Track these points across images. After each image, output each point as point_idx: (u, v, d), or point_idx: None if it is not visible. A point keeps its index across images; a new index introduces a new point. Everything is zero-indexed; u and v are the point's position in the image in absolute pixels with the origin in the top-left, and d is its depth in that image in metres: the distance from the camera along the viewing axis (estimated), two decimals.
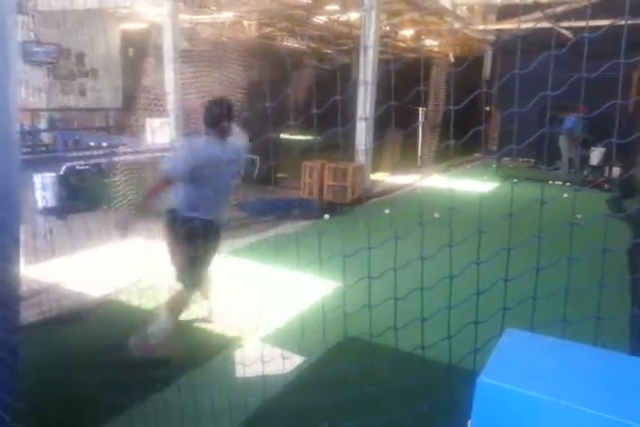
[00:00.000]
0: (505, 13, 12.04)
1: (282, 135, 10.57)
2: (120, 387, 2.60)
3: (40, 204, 6.51)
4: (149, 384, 2.78)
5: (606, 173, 9.81)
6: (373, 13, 8.13)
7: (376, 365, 2.81)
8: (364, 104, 7.83)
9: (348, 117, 8.51)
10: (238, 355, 3.28)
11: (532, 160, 12.21)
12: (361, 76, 8.02)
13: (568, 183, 9.49)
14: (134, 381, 2.70)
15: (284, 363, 2.85)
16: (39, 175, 6.54)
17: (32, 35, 9.92)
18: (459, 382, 1.93)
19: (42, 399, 2.59)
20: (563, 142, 10.52)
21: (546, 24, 9.86)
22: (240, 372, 3.08)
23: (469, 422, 1.55)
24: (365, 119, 7.94)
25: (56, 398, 2.70)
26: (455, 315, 1.80)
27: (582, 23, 9.53)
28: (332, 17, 11.09)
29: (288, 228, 5.97)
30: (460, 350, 1.80)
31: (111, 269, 4.42)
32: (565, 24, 10.15)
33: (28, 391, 2.37)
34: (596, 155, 10.48)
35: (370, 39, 8.16)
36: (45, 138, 10.17)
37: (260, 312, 3.74)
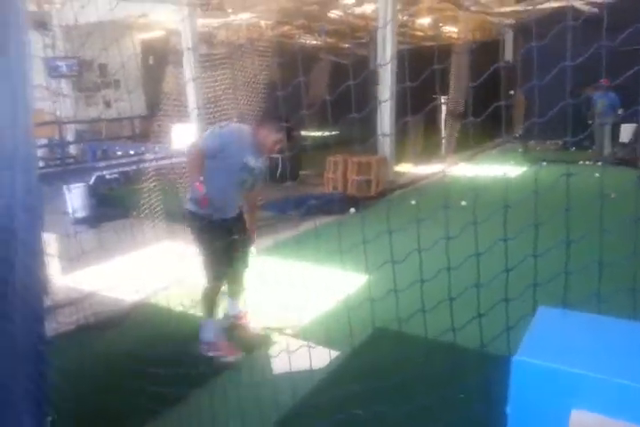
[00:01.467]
0: None
1: (302, 132, 10.58)
2: (155, 392, 2.64)
3: (72, 214, 6.67)
4: (183, 386, 2.82)
5: (638, 150, 9.49)
6: (389, 3, 8.05)
7: (406, 352, 2.80)
8: (384, 92, 7.76)
9: (371, 110, 8.46)
10: (269, 352, 3.30)
11: (560, 142, 11.92)
12: (379, 66, 7.95)
13: (599, 162, 9.23)
14: (166, 384, 2.75)
15: (314, 358, 2.85)
16: (69, 186, 6.70)
17: (52, 50, 10.17)
18: (491, 364, 1.90)
19: (80, 408, 2.65)
20: (601, 123, 10.13)
21: (564, 2, 9.62)
22: (270, 370, 3.10)
23: (507, 407, 1.52)
24: (386, 103, 7.88)
25: (94, 405, 2.76)
26: (484, 295, 1.77)
27: None
28: (347, 10, 11.03)
29: (313, 224, 5.97)
30: (492, 330, 1.76)
31: (145, 273, 4.52)
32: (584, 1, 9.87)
33: (66, 400, 2.43)
34: (626, 131, 10.16)
35: (387, 30, 8.08)
36: (73, 150, 10.42)
37: (286, 309, 3.75)
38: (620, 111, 9.77)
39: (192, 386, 2.85)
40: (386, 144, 8.38)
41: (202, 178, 2.91)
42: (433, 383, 2.54)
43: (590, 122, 9.98)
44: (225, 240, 3.07)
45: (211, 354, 3.23)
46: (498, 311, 1.76)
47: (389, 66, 7.98)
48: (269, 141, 3.15)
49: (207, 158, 3.01)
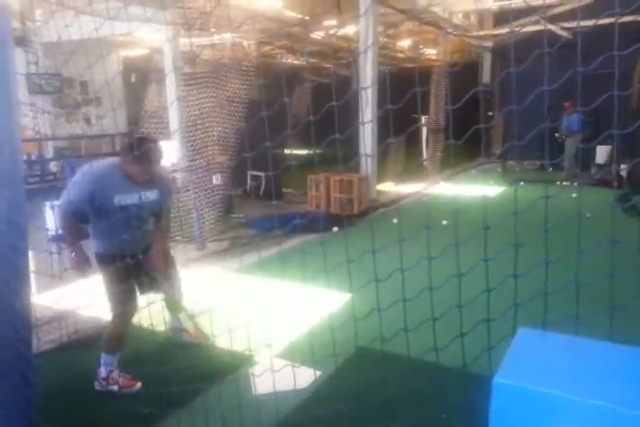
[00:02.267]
0: (502, 18, 12.13)
1: (285, 150, 10.63)
2: (134, 412, 2.59)
3: (50, 231, 6.56)
4: (163, 406, 2.77)
5: (614, 171, 9.74)
6: (371, 25, 8.22)
7: (389, 371, 2.79)
8: (366, 112, 7.86)
9: (351, 130, 8.55)
10: (250, 373, 3.26)
11: (538, 162, 12.17)
12: (361, 85, 8.06)
13: (575, 183, 9.43)
14: (148, 404, 2.69)
15: (297, 378, 2.83)
16: (48, 203, 6.61)
17: (35, 66, 10.13)
18: (473, 384, 1.91)
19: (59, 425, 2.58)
20: (568, 143, 10.51)
21: (541, 27, 9.91)
22: (252, 390, 3.06)
23: (489, 423, 1.53)
24: (368, 124, 7.96)
25: (73, 424, 2.70)
26: (466, 315, 1.79)
27: (582, 23, 9.53)
28: (329, 32, 11.21)
29: (296, 242, 5.97)
30: (473, 350, 1.78)
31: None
32: (561, 25, 10.19)
33: (47, 419, 2.37)
34: (602, 153, 10.44)
35: (368, 51, 8.23)
36: (53, 167, 10.30)
37: (269, 328, 3.72)
38: (580, 133, 10.18)
39: (172, 405, 2.80)
40: (368, 163, 8.46)
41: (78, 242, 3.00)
42: (416, 403, 2.54)
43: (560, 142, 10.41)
44: (130, 276, 2.95)
45: (109, 388, 3.09)
46: (479, 331, 1.78)
47: (370, 86, 8.11)
48: (134, 172, 2.92)
49: (80, 214, 2.94)
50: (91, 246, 3.16)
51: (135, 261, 2.95)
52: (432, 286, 1.80)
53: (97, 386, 3.11)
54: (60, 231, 3.19)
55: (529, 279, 1.75)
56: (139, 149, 2.82)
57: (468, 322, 1.80)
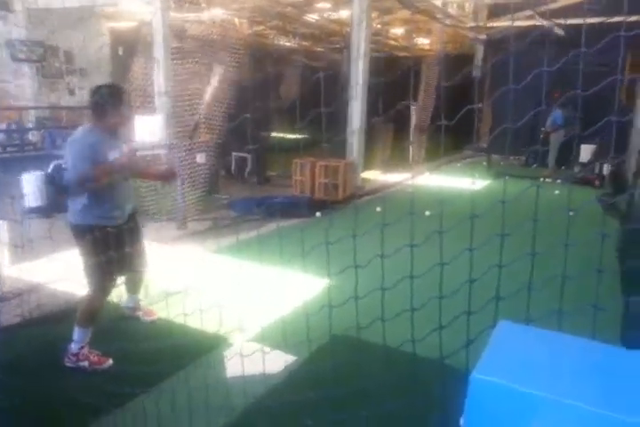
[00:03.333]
0: (496, 11, 12.07)
1: (273, 133, 10.51)
2: (100, 390, 2.54)
3: (27, 203, 6.41)
4: (130, 385, 2.72)
5: (597, 170, 9.83)
6: (364, 10, 8.10)
7: (364, 360, 2.78)
8: (355, 97, 7.79)
9: (342, 116, 8.48)
10: (221, 356, 3.23)
11: (523, 157, 12.23)
12: (352, 71, 7.98)
13: (559, 180, 9.50)
14: (114, 383, 2.65)
15: (269, 362, 2.80)
16: (26, 174, 6.45)
17: (18, 32, 9.81)
18: (451, 375, 1.89)
19: (22, 401, 2.53)
20: (551, 139, 10.58)
21: (536, 22, 9.89)
22: (223, 373, 3.03)
23: (462, 419, 1.51)
24: (356, 109, 7.90)
25: (37, 400, 2.64)
26: (447, 306, 1.76)
27: (574, 21, 9.54)
28: (323, 15, 11.04)
29: (278, 226, 5.91)
30: (453, 342, 1.75)
31: None
32: (555, 22, 10.17)
33: (6, 394, 2.31)
34: (586, 151, 10.52)
35: (360, 35, 8.12)
36: (33, 137, 10.05)
37: (243, 312, 3.69)
38: (563, 128, 10.28)
39: (140, 385, 2.76)
40: (354, 149, 8.40)
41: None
42: (390, 392, 2.53)
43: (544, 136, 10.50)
44: (109, 250, 2.93)
45: (79, 365, 3.04)
46: (460, 323, 1.75)
47: (360, 72, 8.02)
48: (114, 121, 2.97)
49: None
50: (70, 221, 3.07)
51: (117, 233, 2.93)
52: (413, 275, 1.77)
53: (67, 362, 3.05)
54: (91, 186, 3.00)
55: (512, 272, 1.72)
56: (113, 94, 2.92)
57: (449, 313, 1.77)
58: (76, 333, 3.05)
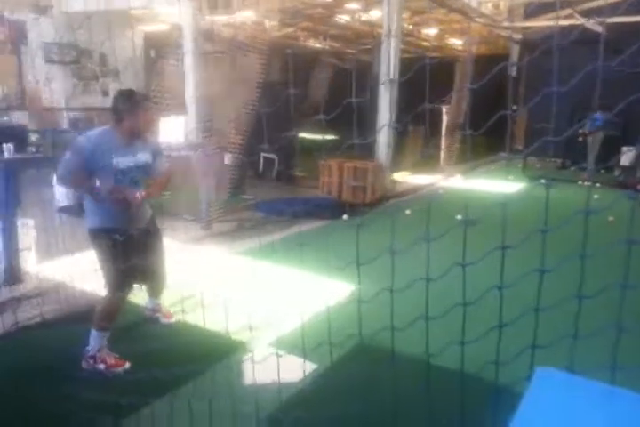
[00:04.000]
0: (533, 10, 11.74)
1: (302, 134, 10.42)
2: (116, 393, 2.47)
3: (58, 202, 6.48)
4: (145, 391, 2.64)
5: (639, 174, 9.42)
6: (395, 11, 7.96)
7: (384, 372, 2.63)
8: (385, 98, 7.64)
9: (369, 117, 8.33)
10: (238, 361, 3.13)
11: (560, 160, 11.84)
12: (382, 72, 7.84)
13: (598, 184, 9.13)
14: (130, 387, 2.57)
15: (287, 370, 2.69)
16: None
17: (54, 36, 10.00)
18: (475, 391, 1.74)
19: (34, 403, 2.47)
20: (590, 141, 10.21)
21: (574, 21, 9.55)
22: (238, 380, 2.93)
23: None
24: (385, 112, 7.74)
25: (49, 403, 2.58)
26: (476, 319, 1.61)
27: (616, 19, 9.17)
28: (353, 16, 10.93)
29: (304, 228, 5.81)
30: (481, 356, 1.60)
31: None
32: (596, 20, 9.80)
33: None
34: (627, 155, 10.11)
35: (391, 37, 7.97)
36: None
37: (263, 315, 3.59)
38: (601, 131, 9.93)
39: (155, 390, 2.68)
40: (383, 151, 8.24)
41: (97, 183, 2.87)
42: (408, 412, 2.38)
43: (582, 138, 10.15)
44: (128, 254, 2.89)
45: (96, 367, 2.97)
46: (491, 338, 1.60)
47: (391, 69, 7.87)
48: (134, 127, 2.93)
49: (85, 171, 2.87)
50: (85, 224, 3.05)
51: (134, 236, 2.89)
52: (436, 282, 1.62)
53: (84, 364, 3.00)
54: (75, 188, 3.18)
55: (549, 291, 1.56)
56: (130, 99, 2.88)
57: (478, 325, 1.62)
58: (93, 335, 3.00)
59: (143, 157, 3.06)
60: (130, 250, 2.93)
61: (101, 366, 2.97)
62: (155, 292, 3.57)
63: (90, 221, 3.02)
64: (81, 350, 3.02)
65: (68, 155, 2.89)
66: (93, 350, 2.99)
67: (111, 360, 2.99)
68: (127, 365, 3.01)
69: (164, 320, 3.60)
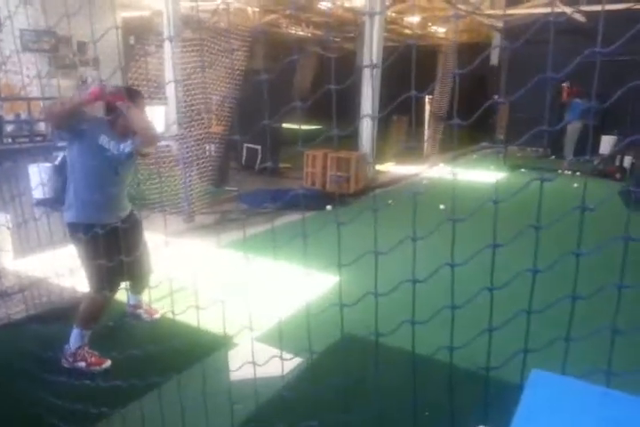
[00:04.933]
0: None
1: (284, 125, 10.34)
2: (97, 392, 2.44)
3: (35, 195, 6.35)
4: (127, 390, 2.62)
5: (618, 162, 9.54)
6: None
7: (369, 361, 2.64)
8: (367, 88, 7.60)
9: (353, 106, 8.29)
10: (225, 356, 3.12)
11: (541, 149, 11.95)
12: (365, 58, 7.78)
13: (578, 173, 9.24)
14: (112, 385, 2.54)
15: (275, 363, 2.67)
16: (34, 165, 6.38)
17: (31, 23, 9.73)
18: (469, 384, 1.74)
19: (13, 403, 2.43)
20: (569, 130, 10.31)
21: (556, 8, 9.55)
22: (226, 374, 2.92)
23: None
24: (368, 98, 7.70)
25: (27, 402, 2.55)
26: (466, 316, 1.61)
27: (597, 7, 9.20)
28: (336, 2, 10.81)
29: (288, 219, 5.79)
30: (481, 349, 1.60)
31: None
32: (577, 8, 9.84)
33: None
34: (606, 143, 10.24)
35: (374, 24, 7.91)
36: (43, 127, 10.00)
37: (249, 309, 3.57)
38: (580, 120, 10.05)
39: (139, 388, 2.65)
40: (367, 141, 8.22)
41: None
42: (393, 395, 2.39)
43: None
44: (112, 250, 2.79)
45: (76, 365, 2.94)
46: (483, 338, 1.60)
47: (374, 57, 7.82)
48: (123, 123, 2.90)
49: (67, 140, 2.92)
50: (63, 218, 2.99)
51: (115, 230, 2.82)
52: (417, 277, 1.62)
53: (64, 363, 2.96)
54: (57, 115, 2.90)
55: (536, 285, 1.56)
56: (129, 98, 2.85)
57: (472, 319, 1.63)
58: (74, 333, 2.97)
59: (126, 147, 2.99)
60: (111, 245, 2.83)
61: (82, 365, 2.94)
62: (137, 288, 3.52)
63: (68, 214, 2.96)
64: (61, 348, 2.98)
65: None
66: (74, 348, 2.96)
67: (91, 358, 2.96)
68: (108, 363, 2.98)
69: (146, 317, 3.56)
